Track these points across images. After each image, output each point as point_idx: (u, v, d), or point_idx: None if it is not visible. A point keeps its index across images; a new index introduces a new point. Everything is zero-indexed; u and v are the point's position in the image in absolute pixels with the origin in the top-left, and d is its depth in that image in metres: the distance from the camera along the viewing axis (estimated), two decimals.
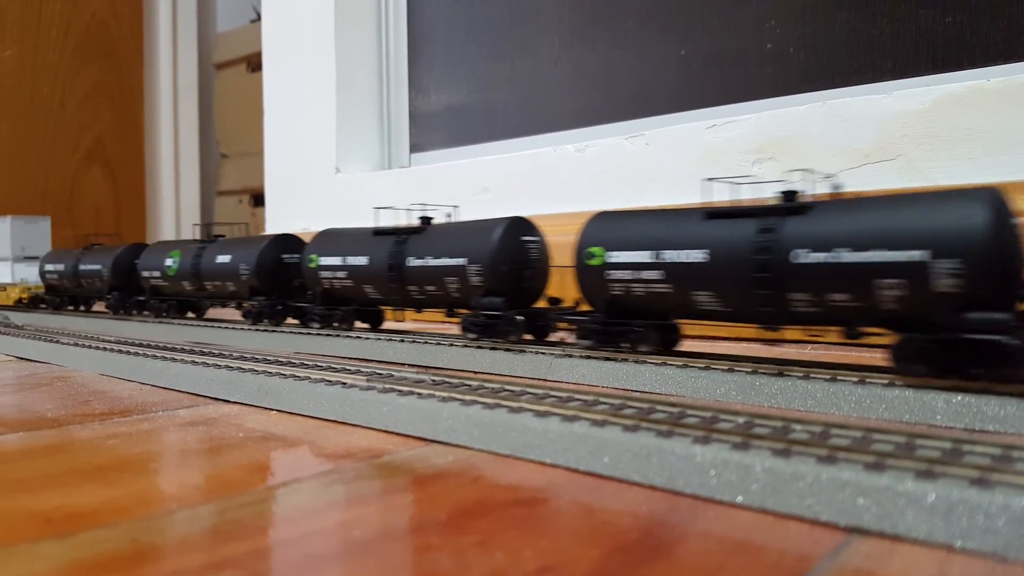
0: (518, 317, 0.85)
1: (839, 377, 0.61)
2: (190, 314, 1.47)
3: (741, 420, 0.47)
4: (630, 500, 0.40)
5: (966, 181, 0.94)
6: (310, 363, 0.75)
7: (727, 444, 0.42)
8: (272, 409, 0.65)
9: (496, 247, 0.87)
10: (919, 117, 0.99)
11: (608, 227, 0.77)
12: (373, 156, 1.89)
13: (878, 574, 0.30)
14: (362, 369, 0.71)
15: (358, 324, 1.11)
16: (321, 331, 1.07)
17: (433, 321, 1.25)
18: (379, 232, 1.03)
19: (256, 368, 0.73)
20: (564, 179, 1.39)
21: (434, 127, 1.83)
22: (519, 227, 0.90)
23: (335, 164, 1.82)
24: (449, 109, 1.80)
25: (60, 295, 1.77)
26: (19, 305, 1.88)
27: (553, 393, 0.56)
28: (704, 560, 0.32)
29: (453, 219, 0.99)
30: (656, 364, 0.71)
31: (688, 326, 0.78)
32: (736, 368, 0.67)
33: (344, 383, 0.64)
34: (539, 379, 0.77)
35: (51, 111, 2.89)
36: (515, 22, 1.65)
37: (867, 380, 0.60)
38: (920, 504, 0.34)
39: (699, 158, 1.20)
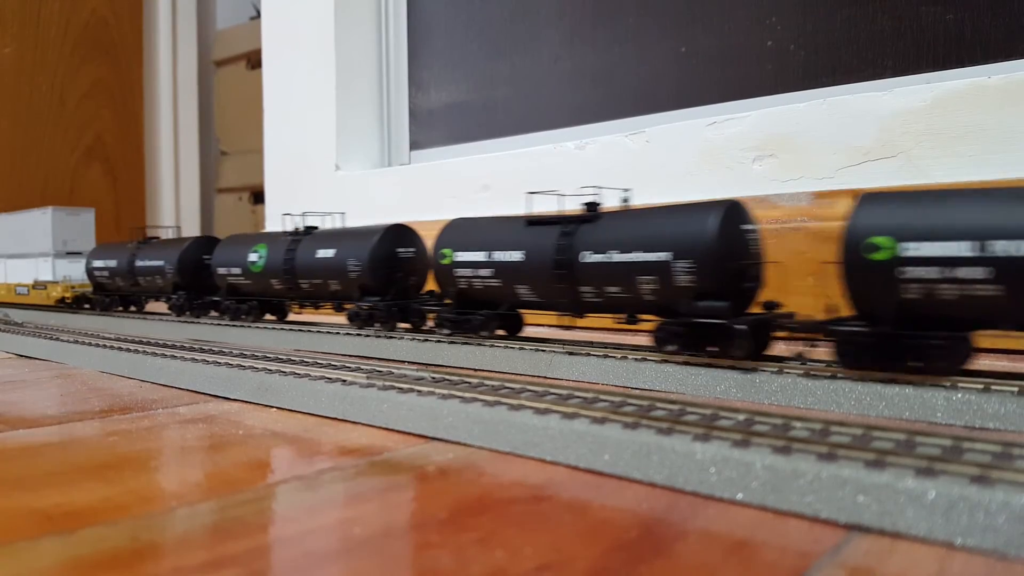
0: (739, 326, 0.67)
1: (839, 375, 0.61)
2: (268, 316, 1.29)
3: (741, 417, 0.47)
4: (630, 497, 0.40)
5: (967, 179, 0.93)
6: (310, 360, 0.75)
7: (727, 441, 0.42)
8: (272, 406, 0.65)
9: (715, 238, 0.69)
10: (920, 115, 0.98)
11: (901, 209, 0.58)
12: (373, 153, 1.88)
13: (878, 572, 0.30)
14: (362, 366, 0.71)
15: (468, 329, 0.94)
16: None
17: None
18: (536, 221, 0.85)
19: (256, 365, 0.73)
20: (564, 177, 1.38)
21: (434, 124, 1.82)
22: (737, 213, 0.72)
23: (335, 161, 1.82)
24: (449, 106, 1.79)
25: (109, 294, 1.61)
26: (61, 306, 1.71)
27: (553, 390, 0.56)
28: (704, 557, 0.32)
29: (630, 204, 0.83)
30: (656, 361, 0.71)
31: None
32: (736, 365, 0.67)
33: (344, 380, 0.64)
34: (539, 376, 0.77)
35: (51, 108, 2.89)
36: (515, 19, 1.65)
37: (867, 377, 0.60)
38: (920, 501, 0.34)
39: (699, 155, 1.20)
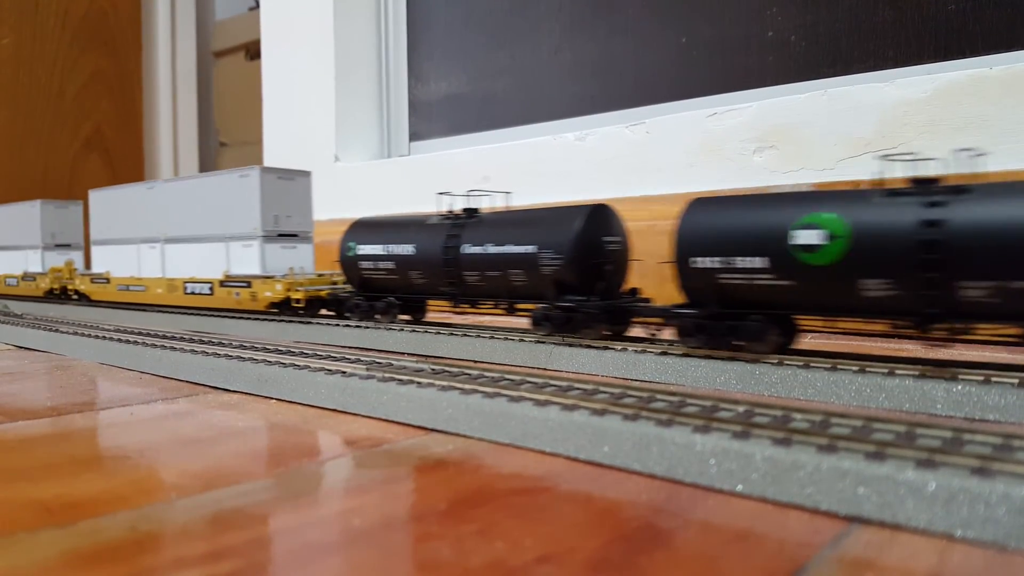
0: None
1: (839, 366, 0.61)
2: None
3: (741, 409, 0.47)
4: (630, 489, 0.40)
5: (967, 170, 0.93)
6: (309, 352, 0.75)
7: (727, 433, 0.42)
8: (272, 398, 0.65)
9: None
10: (921, 105, 0.98)
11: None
12: (372, 145, 1.88)
13: (878, 563, 0.30)
14: (361, 358, 0.71)
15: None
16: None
17: None
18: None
19: (256, 357, 0.73)
20: (564, 168, 1.38)
21: (434, 116, 1.82)
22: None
23: (334, 153, 1.81)
24: (449, 98, 1.79)
25: (379, 296, 1.03)
26: (276, 311, 1.13)
27: (553, 382, 0.56)
28: (704, 549, 0.32)
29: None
30: (656, 353, 0.71)
31: None
32: (736, 357, 0.67)
33: (344, 372, 0.64)
34: (539, 368, 0.77)
35: (49, 100, 2.88)
36: (515, 10, 1.64)
37: (867, 369, 0.60)
38: (920, 493, 0.34)
39: (700, 147, 1.20)
